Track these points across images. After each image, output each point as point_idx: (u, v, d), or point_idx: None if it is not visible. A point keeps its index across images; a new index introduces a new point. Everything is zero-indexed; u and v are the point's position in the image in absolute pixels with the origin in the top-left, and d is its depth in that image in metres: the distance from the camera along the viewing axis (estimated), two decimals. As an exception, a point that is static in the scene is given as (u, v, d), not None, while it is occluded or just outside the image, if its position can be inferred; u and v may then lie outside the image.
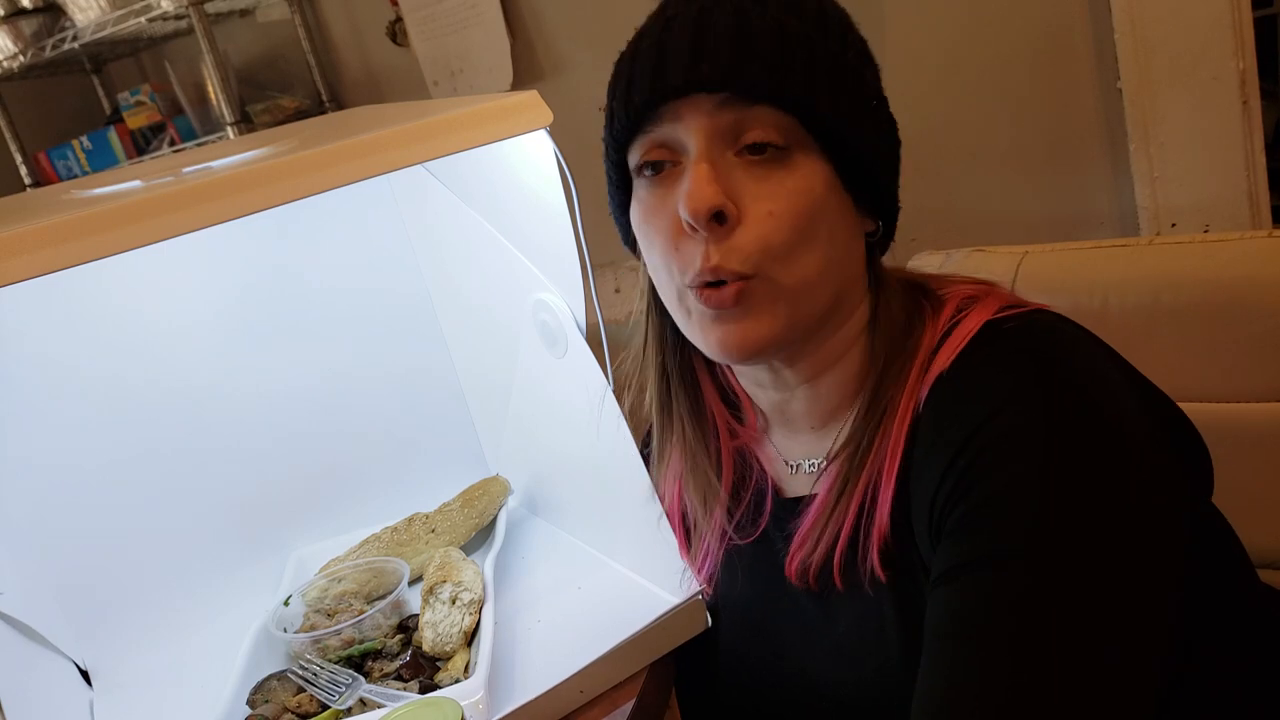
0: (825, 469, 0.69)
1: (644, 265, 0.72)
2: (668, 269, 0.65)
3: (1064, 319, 0.64)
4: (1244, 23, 1.26)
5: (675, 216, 0.63)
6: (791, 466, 0.75)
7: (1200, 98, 1.30)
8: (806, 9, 0.63)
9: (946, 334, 0.64)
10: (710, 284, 0.62)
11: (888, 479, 0.63)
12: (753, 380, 0.74)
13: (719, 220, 0.61)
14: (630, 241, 0.73)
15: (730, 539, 0.76)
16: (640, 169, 0.66)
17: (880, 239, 0.69)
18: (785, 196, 0.61)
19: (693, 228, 0.61)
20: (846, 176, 0.64)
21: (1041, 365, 0.59)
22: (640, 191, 0.67)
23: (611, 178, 0.70)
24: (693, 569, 0.79)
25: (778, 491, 0.75)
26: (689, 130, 0.62)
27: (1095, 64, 1.38)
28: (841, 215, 0.65)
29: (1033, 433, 0.56)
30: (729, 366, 0.76)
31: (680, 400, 0.76)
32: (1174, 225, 1.37)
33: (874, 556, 0.63)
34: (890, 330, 0.67)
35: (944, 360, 0.63)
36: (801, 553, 0.68)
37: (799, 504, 0.72)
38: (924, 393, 0.63)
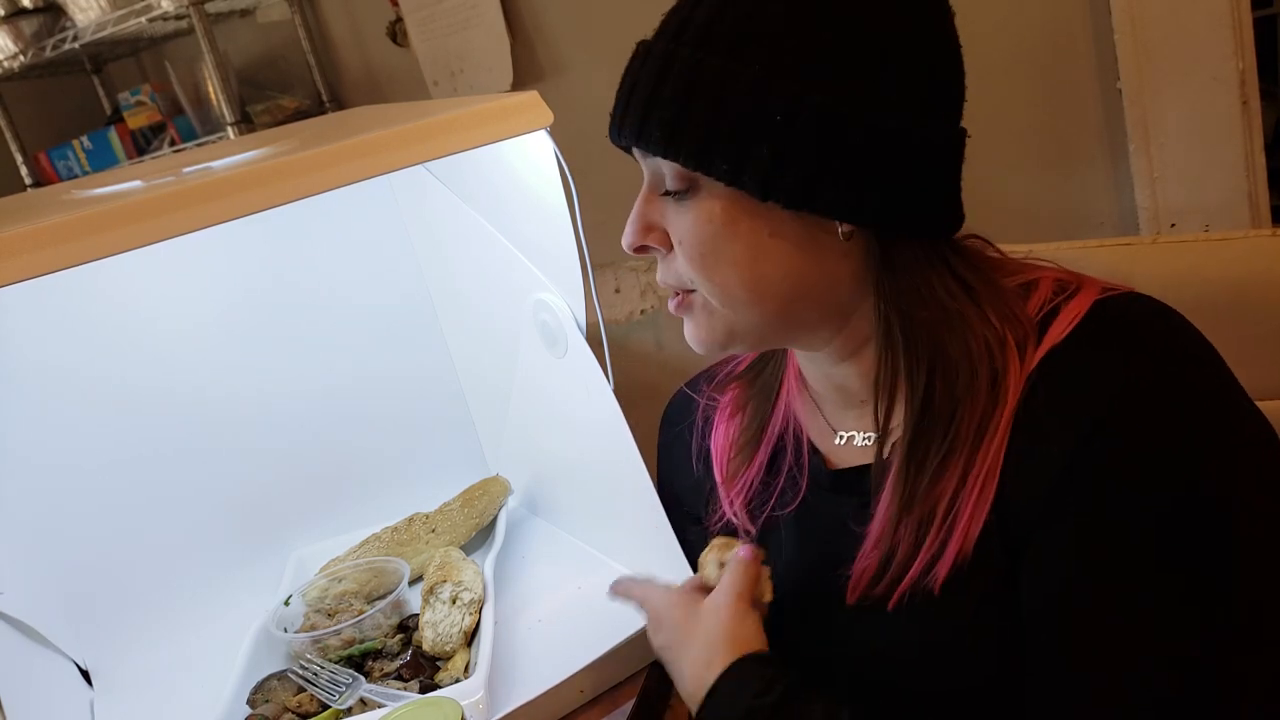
0: (878, 490, 0.67)
1: None
2: None
3: (1167, 307, 0.65)
4: (1244, 23, 1.25)
5: None
6: (841, 438, 0.74)
7: (1200, 98, 1.30)
8: (768, 14, 0.61)
9: (1053, 314, 0.64)
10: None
11: (983, 499, 0.62)
12: (801, 353, 0.76)
13: (646, 250, 0.69)
14: None
15: (771, 506, 0.76)
16: None
17: (922, 230, 0.66)
18: (688, 229, 0.66)
19: None
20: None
21: (1168, 348, 0.61)
22: None
23: None
24: (730, 493, 0.79)
25: (824, 462, 0.75)
26: (642, 167, 0.68)
27: (1095, 64, 1.38)
28: (765, 234, 0.64)
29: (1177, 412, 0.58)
30: None
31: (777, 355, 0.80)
32: (1174, 225, 1.37)
33: (940, 577, 0.63)
34: (917, 328, 0.65)
35: (1056, 336, 0.63)
36: (863, 585, 0.67)
37: (846, 478, 0.72)
38: (1033, 362, 0.63)
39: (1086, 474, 0.58)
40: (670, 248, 0.68)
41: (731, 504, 0.78)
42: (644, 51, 0.65)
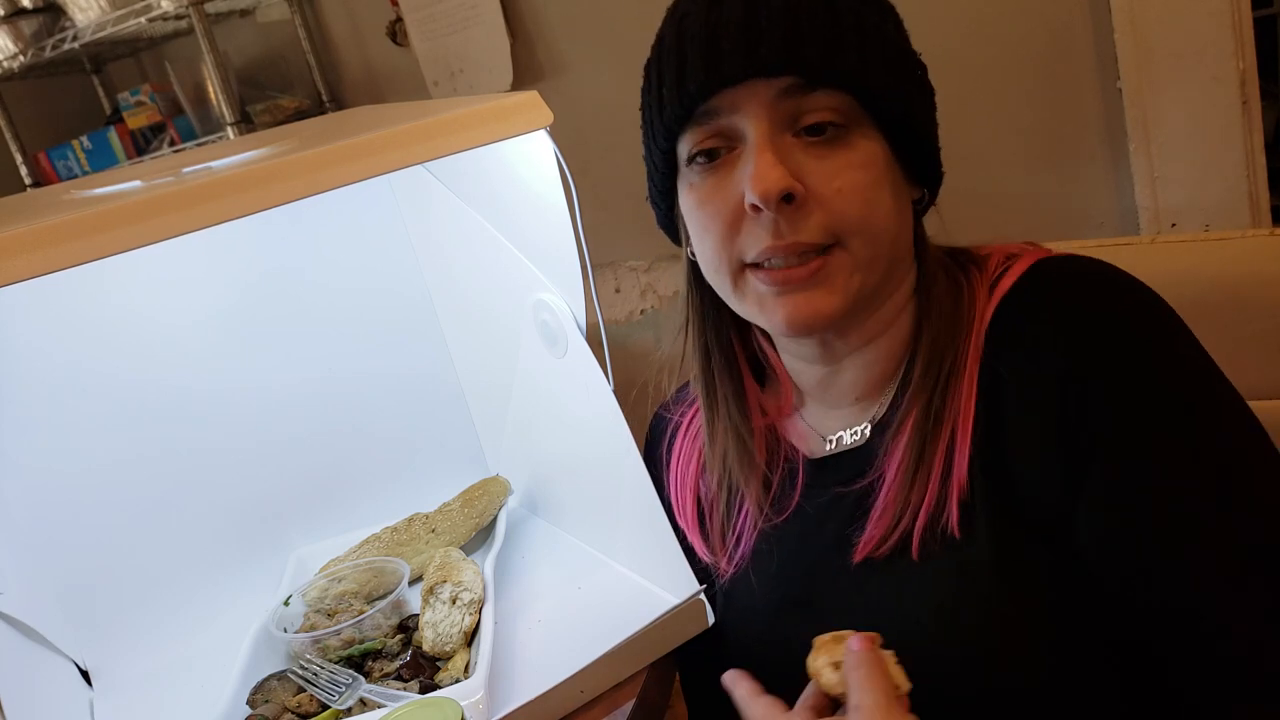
0: (892, 441, 0.68)
1: (687, 251, 0.73)
2: (725, 251, 0.66)
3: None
4: (1244, 23, 1.25)
5: (734, 200, 0.64)
6: (829, 441, 0.74)
7: (1200, 98, 1.30)
8: None
9: (997, 279, 0.66)
10: (775, 264, 0.63)
11: (963, 435, 0.64)
12: (797, 356, 0.74)
13: (787, 201, 0.61)
14: (667, 226, 0.74)
15: (764, 519, 0.75)
16: (692, 159, 0.66)
17: (924, 204, 0.71)
18: (851, 173, 0.62)
19: (757, 209, 0.62)
20: (897, 147, 0.65)
21: (1119, 283, 0.63)
22: (691, 178, 0.67)
23: (655, 165, 0.70)
24: (711, 554, 0.78)
25: (809, 462, 0.74)
26: (747, 118, 0.62)
27: (1095, 64, 1.38)
28: (896, 185, 0.66)
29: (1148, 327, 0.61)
30: (770, 344, 0.76)
31: (725, 381, 0.77)
32: (1174, 225, 1.37)
33: (953, 518, 0.63)
34: (938, 293, 0.68)
35: (1005, 287, 0.65)
36: (879, 532, 0.66)
37: (840, 461, 0.72)
38: (988, 315, 0.65)
39: (1087, 418, 0.60)
40: (806, 197, 0.62)
41: (730, 551, 0.77)
42: None
